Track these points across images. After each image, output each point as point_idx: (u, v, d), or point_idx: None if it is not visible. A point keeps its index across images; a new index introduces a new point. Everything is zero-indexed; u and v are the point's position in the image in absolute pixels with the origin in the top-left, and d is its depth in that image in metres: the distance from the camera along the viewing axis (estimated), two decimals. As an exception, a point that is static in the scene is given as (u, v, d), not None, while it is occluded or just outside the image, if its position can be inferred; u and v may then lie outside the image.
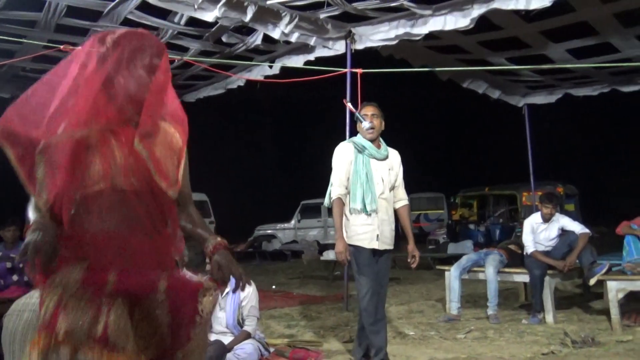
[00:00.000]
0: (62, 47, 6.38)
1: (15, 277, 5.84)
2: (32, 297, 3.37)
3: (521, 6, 5.45)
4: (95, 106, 1.92)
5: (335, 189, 4.31)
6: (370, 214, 4.22)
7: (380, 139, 4.44)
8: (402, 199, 4.49)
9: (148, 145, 1.97)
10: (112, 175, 1.92)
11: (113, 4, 5.90)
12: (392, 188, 4.41)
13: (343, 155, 4.35)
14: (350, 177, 4.28)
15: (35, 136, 1.89)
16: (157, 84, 1.99)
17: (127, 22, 6.09)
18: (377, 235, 4.24)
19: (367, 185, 4.22)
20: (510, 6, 5.52)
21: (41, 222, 1.85)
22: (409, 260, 4.36)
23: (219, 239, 2.11)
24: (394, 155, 4.50)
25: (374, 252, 4.26)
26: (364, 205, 4.21)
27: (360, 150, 4.32)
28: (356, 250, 4.25)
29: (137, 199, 1.94)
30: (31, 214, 1.89)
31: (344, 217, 4.29)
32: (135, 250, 1.91)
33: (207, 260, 2.13)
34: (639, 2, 5.91)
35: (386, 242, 4.30)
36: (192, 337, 1.96)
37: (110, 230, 1.89)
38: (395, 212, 4.48)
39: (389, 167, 4.37)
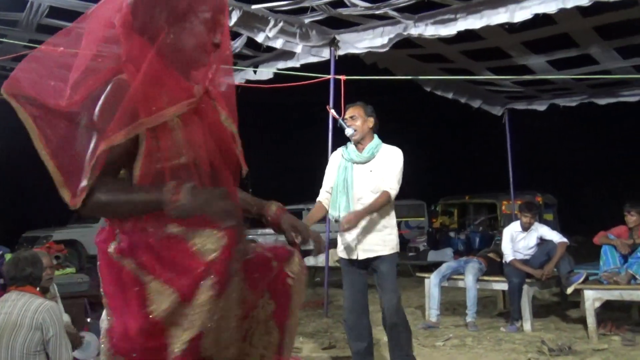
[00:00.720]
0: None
1: (-10, 280, 5.74)
2: (7, 300, 3.32)
3: (505, 19, 5.53)
4: (157, 74, 1.62)
5: (320, 194, 4.33)
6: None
7: (375, 139, 4.22)
8: (382, 189, 4.08)
9: (233, 120, 1.75)
10: (200, 148, 1.68)
11: (96, 5, 5.85)
12: (379, 191, 4.13)
13: (331, 163, 4.37)
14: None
15: (55, 104, 1.59)
16: (226, 46, 1.72)
17: (110, 24, 6.04)
18: (356, 245, 4.10)
19: (343, 191, 4.14)
20: (495, 22, 5.60)
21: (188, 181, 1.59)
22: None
23: (279, 203, 1.95)
24: (383, 155, 4.19)
25: (359, 262, 4.13)
26: (339, 213, 4.13)
27: (344, 155, 4.27)
28: (342, 261, 4.24)
29: (228, 174, 1.76)
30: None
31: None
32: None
33: (270, 225, 1.96)
34: (617, 16, 6.01)
35: (372, 250, 4.08)
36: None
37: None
38: None
39: (370, 169, 4.16)
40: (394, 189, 4.09)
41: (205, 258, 1.61)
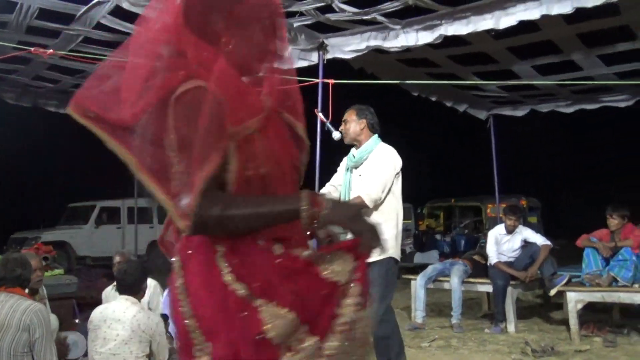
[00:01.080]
0: (32, 49, 6.31)
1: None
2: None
3: (491, 25, 5.61)
4: (232, 80, 1.49)
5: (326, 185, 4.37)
6: None
7: (369, 142, 4.10)
8: (358, 192, 3.94)
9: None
10: (280, 159, 1.55)
11: (86, 7, 5.86)
12: None
13: (341, 165, 4.36)
14: None
15: (118, 119, 1.45)
16: (285, 52, 1.61)
17: (100, 26, 6.04)
18: None
19: (343, 196, 4.10)
20: (481, 28, 5.68)
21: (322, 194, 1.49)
22: None
23: None
24: (373, 158, 4.05)
25: None
26: None
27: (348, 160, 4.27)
28: None
29: (294, 187, 1.63)
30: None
31: None
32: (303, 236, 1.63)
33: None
34: (600, 24, 6.12)
35: None
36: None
37: None
38: None
39: (360, 173, 4.09)
40: (369, 193, 3.85)
41: (335, 282, 1.50)
